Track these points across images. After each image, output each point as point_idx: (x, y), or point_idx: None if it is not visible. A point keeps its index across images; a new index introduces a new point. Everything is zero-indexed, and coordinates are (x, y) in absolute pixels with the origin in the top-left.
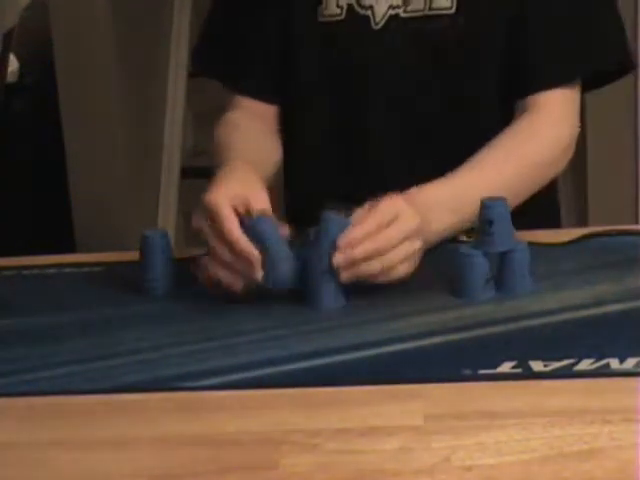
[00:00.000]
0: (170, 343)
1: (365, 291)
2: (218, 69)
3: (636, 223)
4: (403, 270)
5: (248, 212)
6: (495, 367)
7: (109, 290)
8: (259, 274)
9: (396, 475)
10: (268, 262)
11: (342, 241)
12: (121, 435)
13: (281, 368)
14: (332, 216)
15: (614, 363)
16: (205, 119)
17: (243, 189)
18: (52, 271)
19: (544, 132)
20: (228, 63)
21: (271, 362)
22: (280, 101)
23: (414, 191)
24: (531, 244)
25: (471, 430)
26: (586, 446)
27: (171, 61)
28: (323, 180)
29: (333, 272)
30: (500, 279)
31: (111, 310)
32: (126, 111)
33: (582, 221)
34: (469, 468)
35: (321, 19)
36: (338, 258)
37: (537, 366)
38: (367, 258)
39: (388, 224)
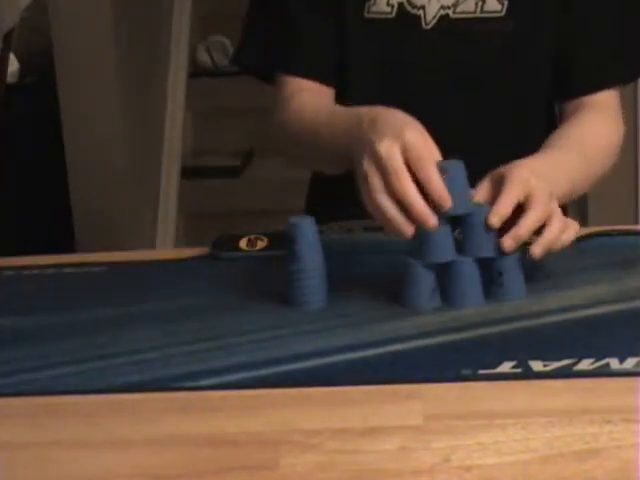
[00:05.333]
0: (170, 343)
1: (365, 292)
2: (269, 63)
3: (636, 223)
4: (572, 229)
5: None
6: (495, 367)
7: (109, 290)
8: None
9: (396, 475)
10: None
11: (494, 220)
12: (121, 435)
13: (281, 368)
14: (299, 221)
15: (614, 363)
16: (205, 119)
17: (414, 138)
18: (52, 271)
19: (606, 129)
20: (282, 52)
21: (271, 362)
22: (334, 83)
23: (526, 162)
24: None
25: (471, 430)
26: (586, 446)
27: (171, 61)
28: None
29: (311, 272)
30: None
31: (111, 310)
32: (126, 111)
33: (582, 221)
34: (469, 468)
35: (368, 15)
36: (507, 241)
37: (537, 366)
38: (532, 231)
39: (527, 195)
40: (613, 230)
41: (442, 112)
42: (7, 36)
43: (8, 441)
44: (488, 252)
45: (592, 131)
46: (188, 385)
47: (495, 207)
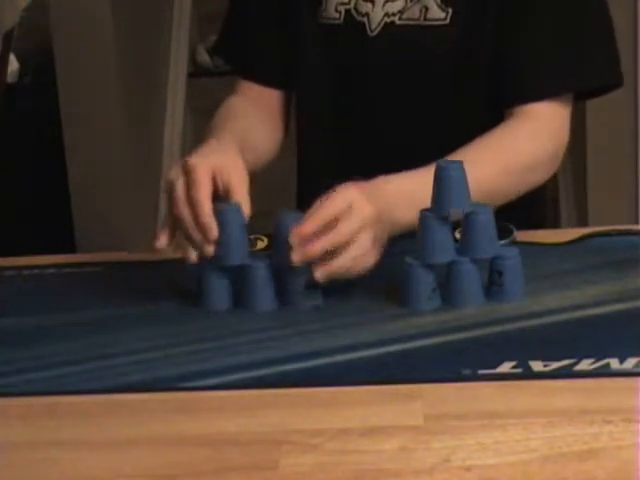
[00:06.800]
0: (170, 343)
1: (365, 292)
2: (231, 55)
3: (636, 223)
4: (369, 260)
5: (225, 195)
6: (495, 367)
7: (109, 290)
8: (211, 249)
9: (396, 475)
10: (223, 247)
11: (294, 238)
12: (121, 435)
13: (281, 368)
14: (286, 214)
15: (614, 363)
16: (205, 119)
17: (227, 166)
18: (52, 271)
19: (527, 140)
20: (238, 50)
21: (271, 362)
22: (288, 88)
23: (377, 181)
24: (531, 244)
25: (471, 430)
26: (586, 446)
27: (171, 61)
28: (324, 167)
29: (298, 271)
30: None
31: (111, 310)
32: (126, 111)
33: (582, 221)
34: (469, 468)
35: (321, 21)
36: (295, 256)
37: (537, 366)
38: (326, 253)
39: (341, 215)
40: (613, 230)
41: (390, 116)
42: (7, 36)
43: (8, 441)
44: (488, 252)
45: (512, 145)
46: (188, 385)
47: (299, 227)
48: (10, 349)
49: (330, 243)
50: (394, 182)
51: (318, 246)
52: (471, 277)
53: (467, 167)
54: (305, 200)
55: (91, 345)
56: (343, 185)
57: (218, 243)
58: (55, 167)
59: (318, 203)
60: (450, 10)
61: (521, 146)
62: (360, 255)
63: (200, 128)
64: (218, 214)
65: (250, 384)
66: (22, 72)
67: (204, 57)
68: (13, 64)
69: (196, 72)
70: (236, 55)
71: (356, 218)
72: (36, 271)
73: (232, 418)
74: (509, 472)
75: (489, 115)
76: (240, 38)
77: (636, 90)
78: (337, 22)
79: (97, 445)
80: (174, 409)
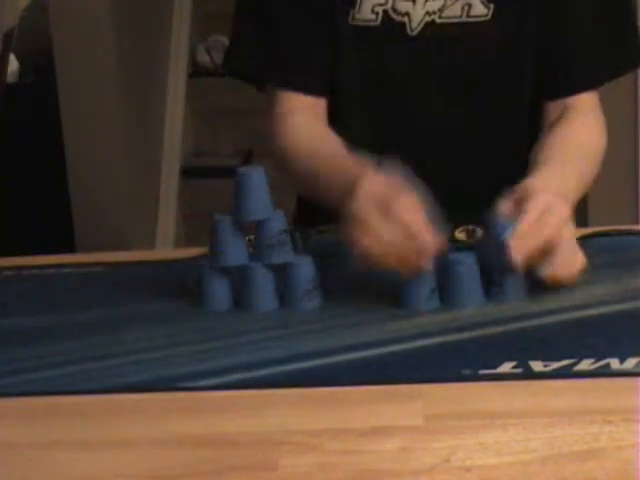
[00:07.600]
0: (170, 343)
1: (365, 292)
2: (261, 71)
3: (636, 223)
4: (581, 257)
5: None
6: (495, 367)
7: (109, 290)
8: (429, 263)
9: (396, 475)
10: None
11: (514, 239)
12: (121, 435)
13: (281, 368)
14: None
15: (614, 363)
16: (205, 119)
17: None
18: (52, 271)
19: (595, 134)
20: (273, 63)
21: (271, 362)
22: (328, 93)
23: (538, 181)
24: None
25: (471, 430)
26: (586, 446)
27: (171, 61)
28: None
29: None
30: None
31: (111, 310)
32: (126, 111)
33: (582, 221)
34: (469, 468)
35: (353, 22)
36: (517, 259)
37: (537, 366)
38: (539, 249)
39: (544, 214)
40: (613, 230)
41: (430, 115)
42: (7, 36)
43: (8, 441)
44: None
45: (584, 139)
46: (188, 385)
47: (516, 228)
48: (10, 349)
49: (544, 238)
50: (544, 181)
51: (532, 241)
52: (471, 277)
53: (566, 174)
54: (306, 203)
55: (91, 345)
56: (531, 188)
57: (238, 206)
58: (55, 167)
59: (510, 202)
60: (492, 6)
61: (591, 140)
62: (571, 253)
63: (200, 128)
64: (239, 175)
65: (250, 384)
66: (22, 72)
67: (204, 57)
68: (13, 64)
69: (196, 72)
70: (274, 68)
71: (559, 216)
72: (36, 271)
73: (232, 418)
74: (509, 472)
75: (527, 113)
76: (271, 51)
77: (636, 90)
78: (373, 24)
79: (97, 445)
80: (174, 409)
